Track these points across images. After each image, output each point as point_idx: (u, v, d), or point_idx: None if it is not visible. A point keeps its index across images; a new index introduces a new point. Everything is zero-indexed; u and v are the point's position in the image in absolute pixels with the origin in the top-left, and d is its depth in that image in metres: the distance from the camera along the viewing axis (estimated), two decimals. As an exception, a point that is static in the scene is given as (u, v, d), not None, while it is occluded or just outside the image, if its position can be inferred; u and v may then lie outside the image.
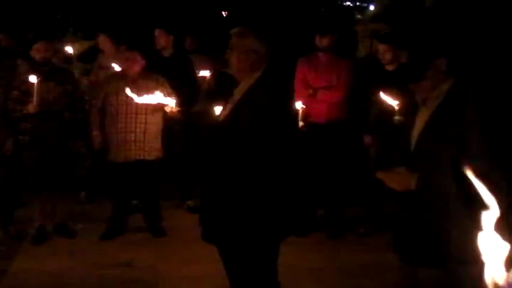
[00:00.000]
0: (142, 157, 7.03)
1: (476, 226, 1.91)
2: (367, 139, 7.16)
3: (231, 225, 3.97)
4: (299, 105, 6.22)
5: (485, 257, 1.91)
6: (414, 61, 3.64)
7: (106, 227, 7.27)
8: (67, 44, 10.41)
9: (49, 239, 7.14)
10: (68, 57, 9.77)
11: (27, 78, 6.61)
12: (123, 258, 6.64)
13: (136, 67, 6.97)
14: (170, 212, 7.85)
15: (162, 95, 6.56)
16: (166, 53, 8.26)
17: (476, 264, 2.02)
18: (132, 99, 6.76)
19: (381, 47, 7.10)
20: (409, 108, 4.05)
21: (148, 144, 7.03)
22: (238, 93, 4.11)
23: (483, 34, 6.37)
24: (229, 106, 4.12)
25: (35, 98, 6.56)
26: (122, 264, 6.51)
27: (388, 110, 6.38)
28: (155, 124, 7.06)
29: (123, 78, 7.02)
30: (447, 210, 3.37)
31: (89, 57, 9.20)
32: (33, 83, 6.53)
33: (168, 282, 6.15)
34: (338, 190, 7.50)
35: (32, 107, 6.61)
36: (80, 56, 9.83)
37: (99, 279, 6.18)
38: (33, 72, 6.62)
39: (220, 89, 8.26)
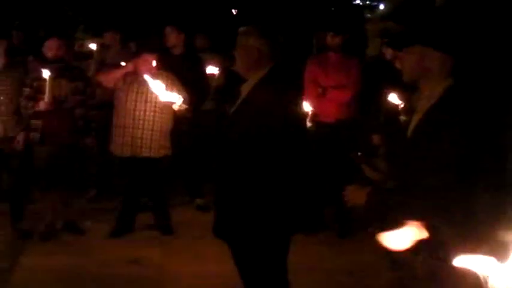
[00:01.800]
0: (148, 154, 7.04)
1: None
2: (376, 139, 7.15)
3: (241, 220, 4.00)
4: (308, 107, 6.21)
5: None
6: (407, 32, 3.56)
7: (115, 224, 7.29)
8: (90, 40, 10.42)
9: (58, 236, 7.17)
10: (89, 53, 9.76)
11: (39, 75, 6.63)
12: (131, 256, 6.65)
13: (149, 67, 6.96)
14: (179, 210, 7.88)
15: (172, 92, 6.55)
16: (177, 51, 8.26)
17: None
18: (141, 96, 6.83)
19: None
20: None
21: (155, 142, 7.03)
22: (244, 91, 4.18)
23: (493, 36, 6.32)
24: (237, 103, 4.18)
25: (46, 95, 6.57)
26: (130, 262, 6.53)
27: (396, 110, 6.39)
28: (164, 122, 7.07)
29: (133, 77, 7.03)
30: None
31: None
32: (45, 80, 6.54)
33: (175, 280, 6.15)
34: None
35: (43, 104, 6.63)
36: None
37: (107, 276, 6.19)
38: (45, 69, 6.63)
39: (229, 86, 8.27)
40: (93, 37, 11.26)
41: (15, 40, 8.60)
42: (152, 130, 6.99)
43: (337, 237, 7.36)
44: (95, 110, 7.45)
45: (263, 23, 4.34)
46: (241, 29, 4.26)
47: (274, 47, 4.18)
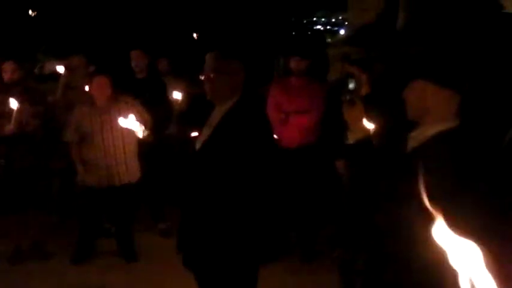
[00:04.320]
0: (127, 181, 7.00)
1: None
2: (340, 164, 7.11)
3: (209, 251, 3.96)
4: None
5: None
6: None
7: (74, 249, 7.20)
8: (50, 62, 10.36)
9: (23, 260, 7.07)
10: (50, 75, 9.67)
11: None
12: (95, 282, 6.60)
13: (106, 92, 6.88)
14: (142, 235, 7.79)
15: (133, 117, 6.46)
16: (140, 75, 8.23)
17: None
18: (106, 124, 6.75)
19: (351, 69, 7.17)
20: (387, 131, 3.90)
21: (130, 166, 7.00)
22: (215, 118, 4.08)
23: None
24: (207, 131, 4.09)
25: (13, 120, 6.51)
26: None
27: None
28: (132, 144, 6.99)
29: (93, 104, 6.94)
30: None
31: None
32: (6, 105, 6.49)
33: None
34: (311, 214, 7.49)
35: (8, 129, 6.56)
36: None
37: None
38: (6, 93, 6.58)
39: (192, 111, 8.25)
40: (54, 59, 11.19)
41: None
42: (125, 153, 6.93)
43: (300, 262, 7.33)
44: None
45: (226, 47, 4.26)
46: (218, 53, 4.09)
47: (246, 73, 4.09)
